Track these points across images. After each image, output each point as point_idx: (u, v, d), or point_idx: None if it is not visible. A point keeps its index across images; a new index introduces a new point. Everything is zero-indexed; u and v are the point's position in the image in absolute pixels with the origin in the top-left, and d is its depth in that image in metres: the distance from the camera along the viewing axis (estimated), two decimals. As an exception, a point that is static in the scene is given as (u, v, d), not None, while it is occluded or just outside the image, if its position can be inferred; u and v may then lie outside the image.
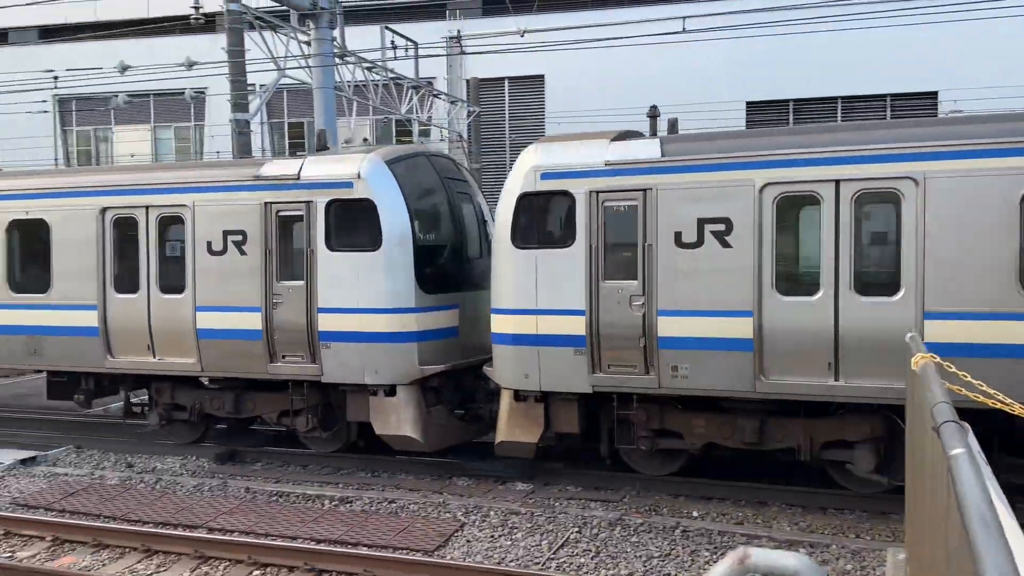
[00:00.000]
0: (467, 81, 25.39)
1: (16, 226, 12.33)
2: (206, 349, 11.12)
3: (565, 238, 9.46)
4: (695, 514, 9.43)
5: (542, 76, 25.70)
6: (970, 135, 8.02)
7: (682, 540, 8.58)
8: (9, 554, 8.78)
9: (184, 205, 11.17)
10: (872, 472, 8.82)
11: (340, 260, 10.43)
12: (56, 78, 22.08)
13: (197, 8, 13.72)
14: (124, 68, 18.26)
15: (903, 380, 6.90)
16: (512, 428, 9.95)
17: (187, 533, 8.93)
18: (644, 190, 9.09)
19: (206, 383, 11.95)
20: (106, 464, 11.93)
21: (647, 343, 9.12)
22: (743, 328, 8.71)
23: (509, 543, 8.68)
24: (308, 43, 17.51)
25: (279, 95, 26.36)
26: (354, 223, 10.40)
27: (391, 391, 10.49)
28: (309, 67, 17.50)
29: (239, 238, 10.93)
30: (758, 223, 8.66)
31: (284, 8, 17.64)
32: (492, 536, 8.87)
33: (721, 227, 8.80)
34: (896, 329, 8.00)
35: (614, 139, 9.56)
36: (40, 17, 31.76)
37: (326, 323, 10.51)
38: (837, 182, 8.41)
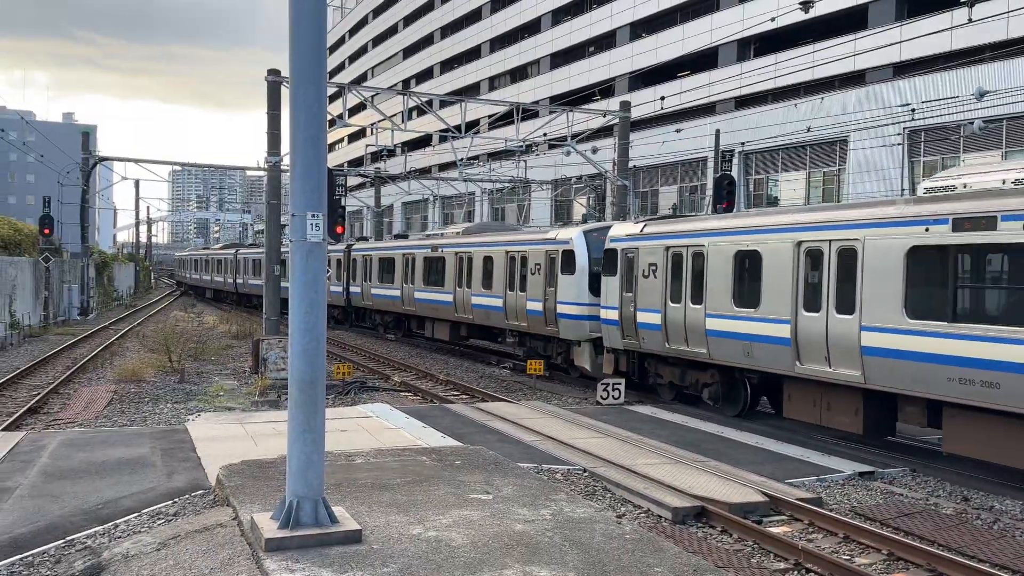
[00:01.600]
0: None
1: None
2: (531, 320, 22.47)
3: (615, 271, 18.76)
4: None
5: None
6: (722, 225, 15.96)
7: None
8: (848, 557, 9.33)
9: (493, 251, 24.44)
10: (709, 399, 16.84)
11: (563, 278, 20.92)
12: (913, 111, 22.70)
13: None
14: (982, 94, 17.71)
15: (701, 347, 16.25)
16: (605, 366, 19.51)
17: (1031, 586, 8.15)
18: (636, 248, 18.09)
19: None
20: (941, 493, 11.73)
21: (635, 324, 17.98)
22: (658, 319, 17.31)
23: None
24: None
25: None
26: (568, 261, 20.76)
27: (579, 344, 20.69)
28: None
29: (537, 266, 22.18)
30: (665, 266, 17.22)
31: None
32: None
33: (655, 267, 17.46)
34: (701, 324, 16.22)
35: (635, 221, 19.26)
36: (895, 55, 33.20)
37: (560, 308, 20.91)
38: (687, 246, 16.75)
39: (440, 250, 27.76)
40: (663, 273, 17.06)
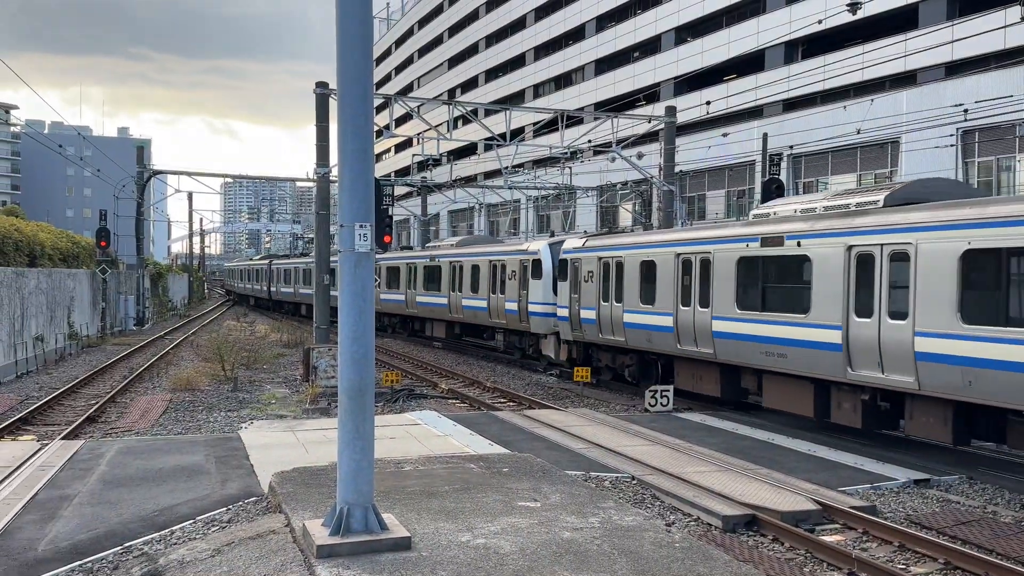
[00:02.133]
0: None
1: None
2: (509, 318, 27.17)
3: (566, 277, 23.09)
4: None
5: None
6: (635, 241, 20.46)
7: None
8: (904, 566, 9.14)
9: (478, 261, 29.21)
10: (630, 377, 21.08)
11: (533, 283, 25.39)
12: (966, 111, 22.21)
13: None
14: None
15: (622, 336, 20.49)
16: (561, 354, 24.12)
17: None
18: (580, 259, 22.36)
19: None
20: (999, 501, 11.43)
21: (580, 319, 22.22)
22: (594, 315, 21.51)
23: None
24: None
25: None
26: (537, 268, 25.32)
27: (546, 336, 25.16)
28: None
29: (514, 272, 26.73)
30: (599, 274, 21.52)
31: None
32: None
33: (592, 274, 21.77)
34: (621, 318, 20.43)
35: (580, 237, 23.74)
36: (947, 55, 32.51)
37: (531, 308, 25.35)
38: (612, 258, 21.01)
39: (437, 260, 32.68)
40: (597, 279, 21.70)
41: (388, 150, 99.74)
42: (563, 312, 23.16)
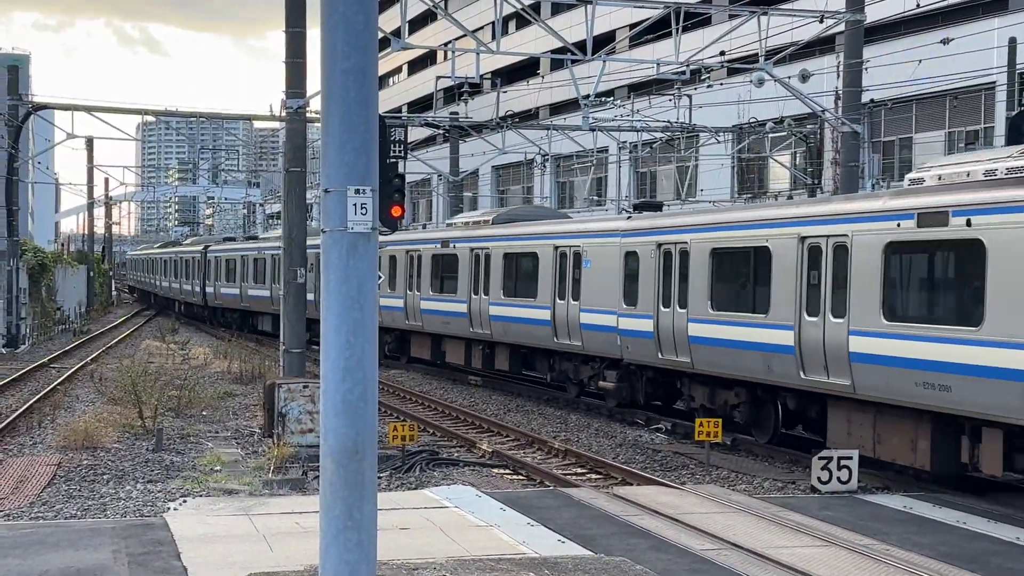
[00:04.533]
0: None
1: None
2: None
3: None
4: None
5: None
6: (397, 239, 41.22)
7: None
8: None
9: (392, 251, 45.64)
10: (388, 353, 43.35)
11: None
12: None
13: None
14: None
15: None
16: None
17: None
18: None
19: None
20: None
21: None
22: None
23: None
24: None
25: None
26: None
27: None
28: None
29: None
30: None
31: None
32: None
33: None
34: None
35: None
36: None
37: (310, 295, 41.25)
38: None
39: (263, 252, 52.67)
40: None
41: (398, 70, 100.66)
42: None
